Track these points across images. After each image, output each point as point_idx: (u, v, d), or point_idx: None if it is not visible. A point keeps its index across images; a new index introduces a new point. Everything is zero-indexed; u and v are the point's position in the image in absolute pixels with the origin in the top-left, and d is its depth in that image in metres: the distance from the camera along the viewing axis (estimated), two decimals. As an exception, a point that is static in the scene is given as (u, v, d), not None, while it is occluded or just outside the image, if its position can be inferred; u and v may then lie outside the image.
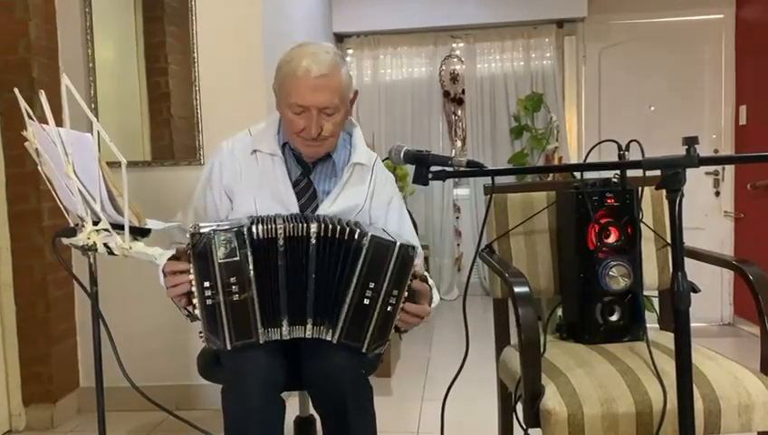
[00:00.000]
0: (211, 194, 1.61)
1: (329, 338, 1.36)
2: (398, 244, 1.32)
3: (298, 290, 1.35)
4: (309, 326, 1.36)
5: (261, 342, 1.32)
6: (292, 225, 1.34)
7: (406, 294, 1.35)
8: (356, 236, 1.34)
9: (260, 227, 1.32)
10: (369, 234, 1.34)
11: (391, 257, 1.32)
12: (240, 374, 1.33)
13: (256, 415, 1.31)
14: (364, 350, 1.35)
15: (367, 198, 1.61)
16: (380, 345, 1.36)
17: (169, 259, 1.36)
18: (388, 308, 1.33)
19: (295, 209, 1.55)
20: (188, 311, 1.37)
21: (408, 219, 1.74)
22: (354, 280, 1.33)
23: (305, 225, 1.35)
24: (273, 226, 1.33)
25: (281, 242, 1.33)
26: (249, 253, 1.30)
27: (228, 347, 1.29)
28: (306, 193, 1.58)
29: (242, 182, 1.57)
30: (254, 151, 1.59)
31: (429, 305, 1.45)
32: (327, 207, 1.56)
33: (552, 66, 4.81)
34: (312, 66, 1.44)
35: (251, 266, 1.30)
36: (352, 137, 1.67)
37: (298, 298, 1.36)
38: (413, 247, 1.34)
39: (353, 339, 1.35)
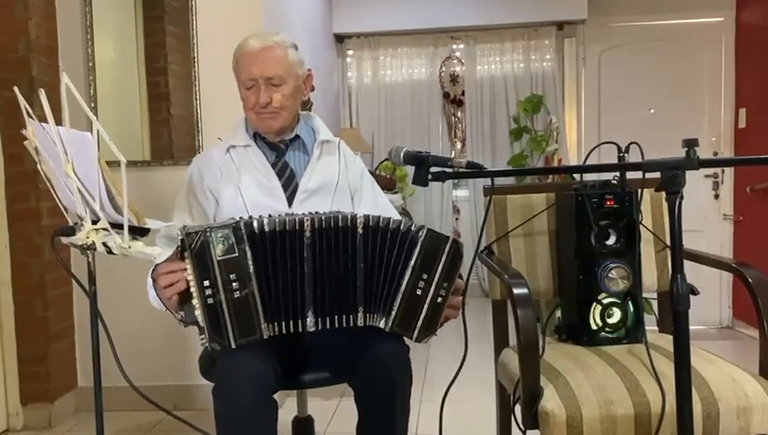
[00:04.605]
0: (195, 199, 1.67)
1: (381, 325, 1.37)
2: (451, 238, 1.36)
3: (339, 280, 1.36)
4: (360, 315, 1.38)
5: (265, 337, 1.32)
6: (325, 216, 1.35)
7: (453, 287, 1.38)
8: (412, 228, 1.37)
9: (265, 220, 1.32)
10: (425, 227, 1.37)
11: (444, 250, 1.35)
12: (231, 374, 1.32)
13: (247, 413, 1.30)
14: (414, 339, 1.37)
15: (340, 171, 1.72)
16: (428, 336, 1.38)
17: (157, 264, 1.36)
18: (438, 299, 1.36)
19: (278, 190, 1.64)
20: (182, 316, 1.35)
21: (381, 191, 1.84)
22: (409, 270, 1.35)
23: (348, 216, 1.37)
24: (294, 219, 1.33)
25: (308, 234, 1.34)
26: (247, 248, 1.29)
27: (233, 345, 1.28)
28: (285, 173, 1.67)
29: (223, 180, 1.66)
30: (229, 150, 1.69)
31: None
32: (306, 183, 1.66)
33: (552, 68, 4.82)
34: (255, 41, 1.62)
35: (250, 262, 1.29)
36: (315, 123, 1.78)
37: (339, 289, 1.37)
38: (462, 244, 1.39)
39: (405, 327, 1.37)
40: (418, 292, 1.35)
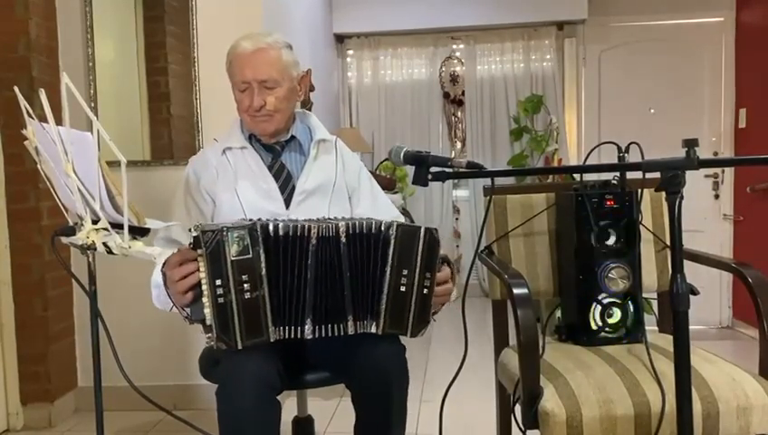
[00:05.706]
0: (192, 200, 1.66)
1: (373, 330, 1.37)
2: (423, 228, 1.36)
3: (332, 289, 1.36)
4: (350, 323, 1.37)
5: (272, 340, 1.32)
6: (324, 225, 1.35)
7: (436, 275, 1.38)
8: (382, 228, 1.36)
9: (280, 224, 1.32)
10: (395, 223, 1.36)
11: (419, 242, 1.35)
12: (234, 374, 1.32)
13: (250, 414, 1.30)
14: (408, 335, 1.37)
15: (338, 171, 1.72)
16: (423, 328, 1.38)
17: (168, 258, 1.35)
18: (424, 291, 1.36)
19: (275, 192, 1.63)
20: (187, 313, 1.35)
21: (380, 188, 1.84)
22: (388, 270, 1.35)
23: (333, 225, 1.36)
24: (303, 224, 1.34)
25: (313, 241, 1.34)
26: (261, 250, 1.29)
27: (240, 346, 1.27)
28: (281, 175, 1.66)
29: (219, 182, 1.65)
30: (225, 151, 1.67)
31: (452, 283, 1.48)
32: (303, 184, 1.65)
33: (552, 68, 4.82)
34: (248, 43, 1.59)
35: (263, 264, 1.29)
36: (311, 122, 1.77)
37: (332, 297, 1.36)
38: (436, 229, 1.38)
39: (397, 327, 1.37)
40: (402, 288, 1.35)
